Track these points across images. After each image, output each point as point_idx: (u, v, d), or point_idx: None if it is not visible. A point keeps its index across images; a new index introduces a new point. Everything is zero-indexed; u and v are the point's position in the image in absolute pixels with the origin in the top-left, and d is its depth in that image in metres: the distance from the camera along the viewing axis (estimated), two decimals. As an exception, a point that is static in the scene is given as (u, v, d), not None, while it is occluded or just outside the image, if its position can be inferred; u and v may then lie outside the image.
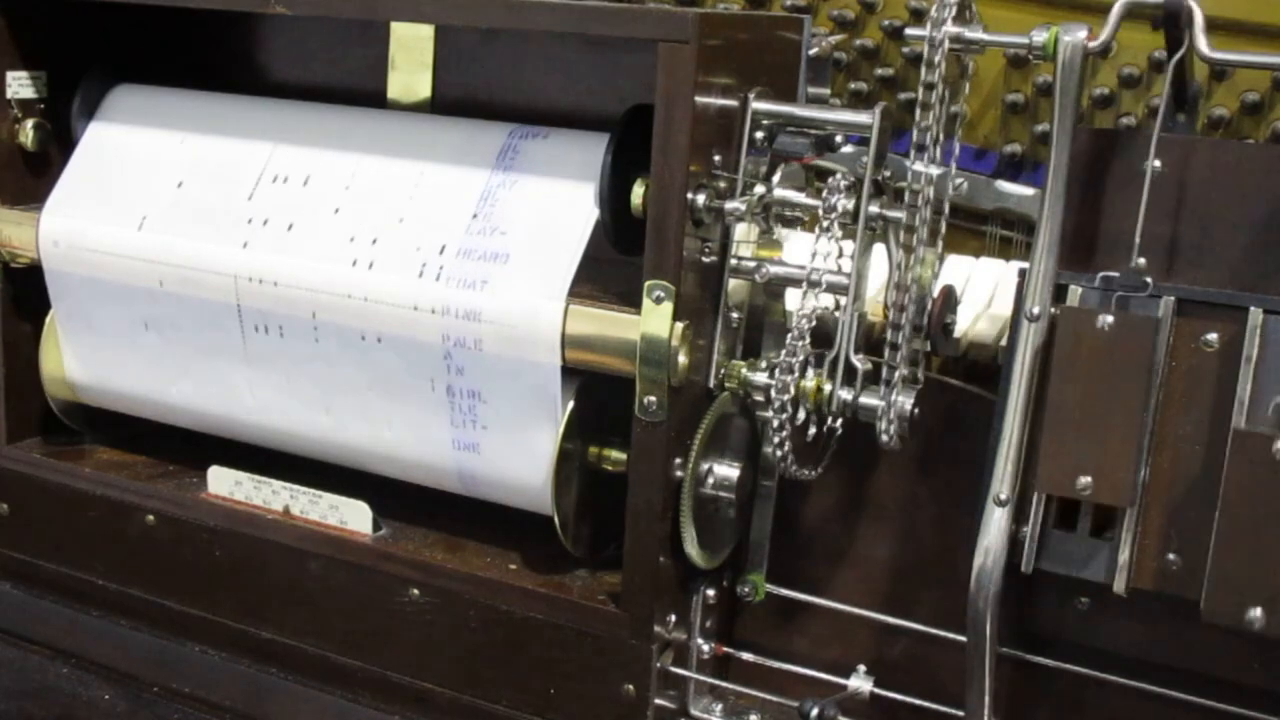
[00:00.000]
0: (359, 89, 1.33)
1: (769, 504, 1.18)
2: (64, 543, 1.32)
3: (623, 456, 1.13)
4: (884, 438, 1.06)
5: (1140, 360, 0.98)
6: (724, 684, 1.19)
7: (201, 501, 1.26)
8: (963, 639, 1.05)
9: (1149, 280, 0.99)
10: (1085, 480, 0.99)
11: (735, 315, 1.10)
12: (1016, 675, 1.10)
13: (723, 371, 1.09)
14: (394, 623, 1.18)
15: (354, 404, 1.17)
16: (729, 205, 1.04)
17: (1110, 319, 0.98)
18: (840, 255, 1.05)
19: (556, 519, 1.11)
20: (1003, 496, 1.02)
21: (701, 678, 1.15)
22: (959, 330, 1.14)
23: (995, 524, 1.02)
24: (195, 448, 1.31)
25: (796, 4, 1.33)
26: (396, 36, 1.30)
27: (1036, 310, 1.01)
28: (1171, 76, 1.01)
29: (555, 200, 1.09)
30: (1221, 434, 0.96)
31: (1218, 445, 0.97)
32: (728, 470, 1.10)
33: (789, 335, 1.06)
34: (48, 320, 1.31)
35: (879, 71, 1.31)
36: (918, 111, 1.03)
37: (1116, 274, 1.00)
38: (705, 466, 1.09)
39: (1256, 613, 0.93)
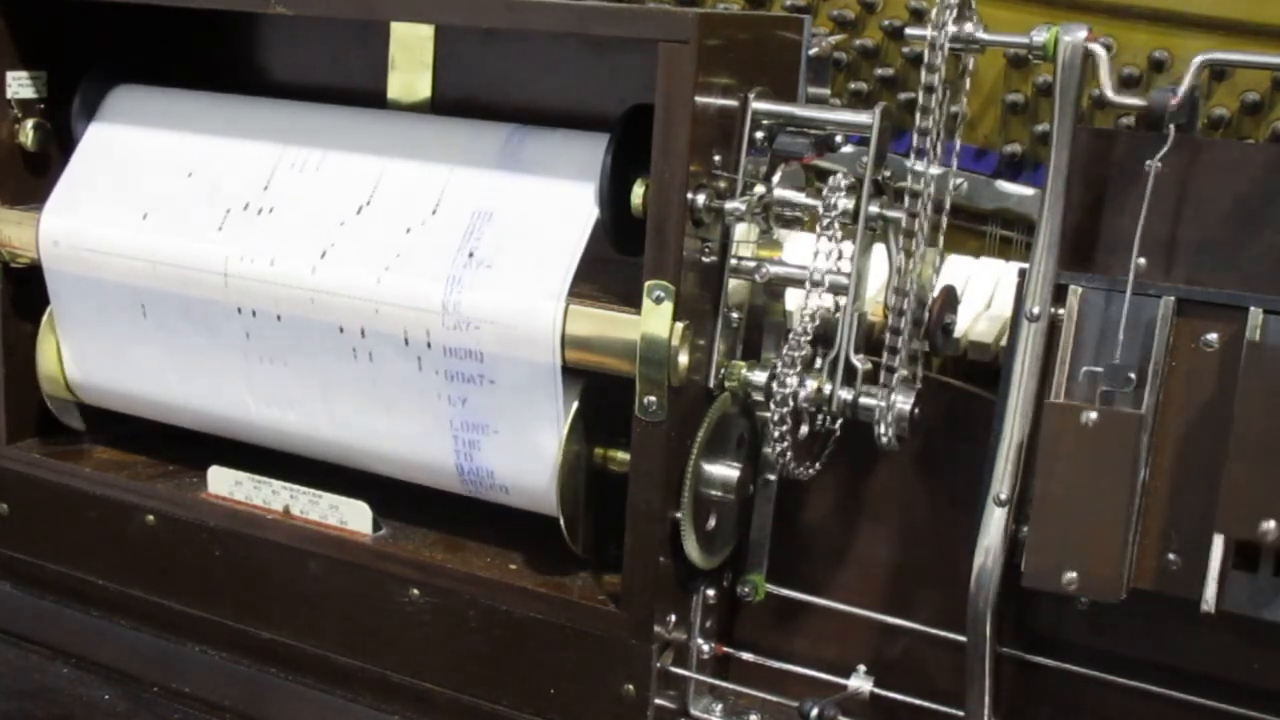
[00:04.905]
0: (359, 89, 1.32)
1: (769, 504, 1.17)
2: (64, 543, 1.32)
3: (629, 457, 1.13)
4: (883, 438, 1.06)
5: (1125, 455, 0.97)
6: (724, 684, 1.19)
7: (201, 501, 1.26)
8: (963, 639, 1.05)
9: (1132, 376, 0.98)
10: (1071, 575, 0.98)
11: (735, 315, 1.10)
12: (1016, 675, 1.10)
13: (723, 371, 1.09)
14: (394, 623, 1.18)
15: (354, 403, 1.17)
16: (729, 205, 1.04)
17: (1094, 415, 0.97)
18: (840, 255, 1.05)
19: (562, 520, 1.11)
20: (1003, 496, 1.02)
21: (701, 678, 1.15)
22: (959, 330, 1.14)
23: (995, 524, 1.02)
24: (195, 448, 1.31)
25: (796, 4, 1.32)
26: (396, 36, 1.30)
27: (1036, 310, 1.01)
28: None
29: (555, 200, 1.09)
30: (1222, 434, 0.96)
31: (1218, 445, 0.97)
32: (728, 470, 1.10)
33: (789, 335, 1.06)
34: (44, 320, 1.31)
35: (879, 71, 1.31)
36: (918, 111, 1.03)
37: (1100, 369, 0.99)
38: (705, 466, 1.09)
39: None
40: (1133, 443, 0.97)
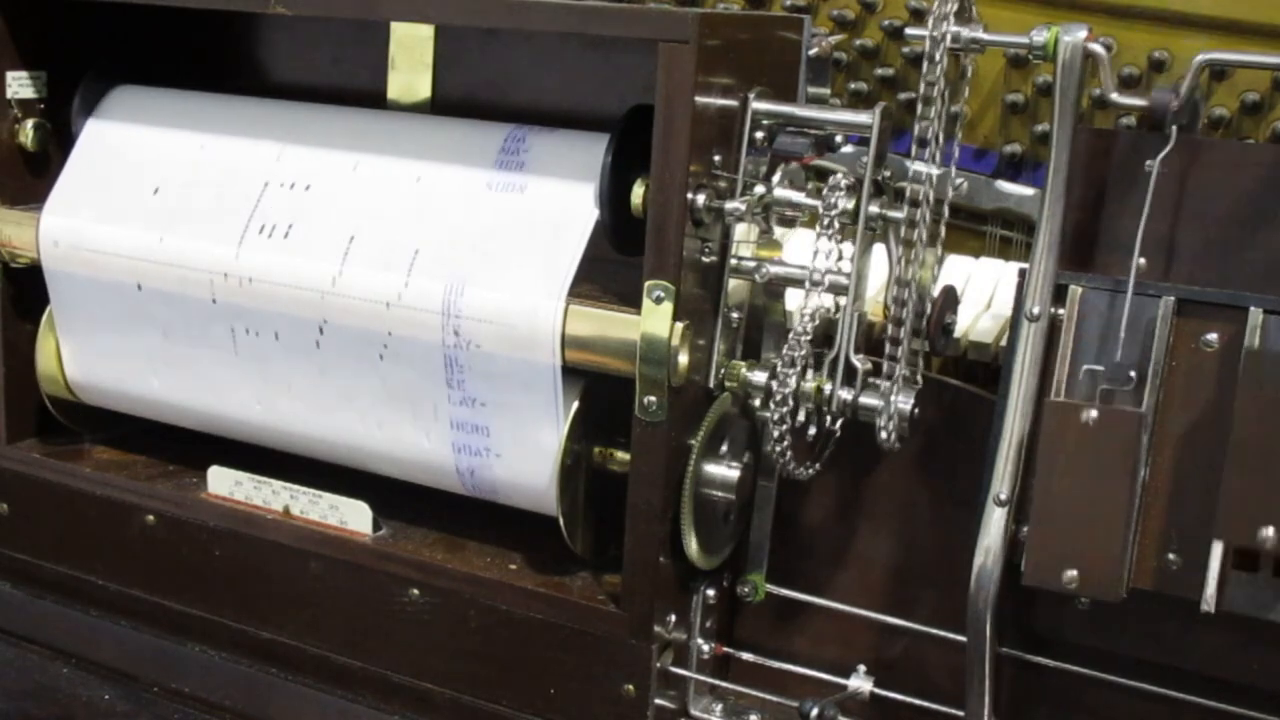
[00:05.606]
0: (359, 89, 1.32)
1: (769, 504, 1.18)
2: (64, 543, 1.32)
3: (629, 457, 1.13)
4: (883, 437, 1.06)
5: (1125, 454, 0.97)
6: (724, 684, 1.19)
7: (201, 501, 1.26)
8: (963, 639, 1.05)
9: (1133, 374, 0.99)
10: (1072, 573, 0.98)
11: (735, 315, 1.10)
12: (1016, 675, 1.10)
13: (723, 371, 1.09)
14: (394, 623, 1.18)
15: (354, 404, 1.17)
16: (729, 205, 1.04)
17: (1094, 413, 0.97)
18: (840, 255, 1.05)
19: (562, 520, 1.11)
20: (1003, 496, 1.02)
21: (701, 678, 1.15)
22: (959, 330, 1.14)
23: (995, 524, 1.02)
24: (195, 448, 1.31)
25: (796, 4, 1.33)
26: (396, 36, 1.30)
27: (1036, 310, 1.01)
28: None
29: (555, 200, 1.09)
30: (1221, 434, 0.96)
31: (1218, 445, 0.97)
32: (728, 470, 1.10)
33: (789, 335, 1.06)
34: (44, 319, 1.31)
35: (879, 71, 1.31)
36: (918, 111, 1.03)
37: (1101, 367, 1.00)
38: (705, 466, 1.09)
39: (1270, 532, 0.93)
40: (1133, 441, 0.97)
